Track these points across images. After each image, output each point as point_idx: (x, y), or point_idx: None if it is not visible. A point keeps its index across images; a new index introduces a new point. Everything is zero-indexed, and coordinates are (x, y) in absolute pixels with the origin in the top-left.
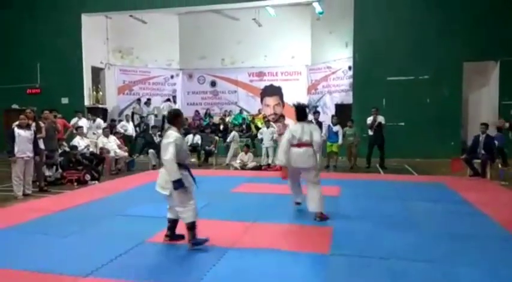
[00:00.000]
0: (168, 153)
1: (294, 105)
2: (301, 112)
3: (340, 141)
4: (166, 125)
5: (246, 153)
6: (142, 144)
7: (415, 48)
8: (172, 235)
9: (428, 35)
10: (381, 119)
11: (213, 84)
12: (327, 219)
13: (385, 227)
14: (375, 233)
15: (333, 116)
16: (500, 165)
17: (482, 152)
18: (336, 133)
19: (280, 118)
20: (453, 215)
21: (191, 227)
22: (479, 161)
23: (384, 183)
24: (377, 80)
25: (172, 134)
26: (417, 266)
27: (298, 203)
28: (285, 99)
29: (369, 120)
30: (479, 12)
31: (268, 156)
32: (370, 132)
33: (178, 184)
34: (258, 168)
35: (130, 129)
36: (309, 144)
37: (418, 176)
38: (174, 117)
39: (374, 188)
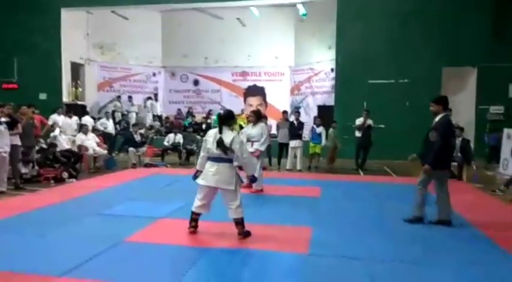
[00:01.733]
0: (246, 152)
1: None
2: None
3: (323, 142)
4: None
5: None
6: (122, 142)
7: (396, 53)
8: (196, 226)
9: (409, 40)
10: (370, 121)
11: (196, 83)
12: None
13: (364, 228)
14: (354, 234)
15: (315, 118)
16: (475, 168)
17: (459, 154)
18: (320, 134)
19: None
20: (431, 217)
21: (242, 221)
22: (455, 163)
23: (363, 184)
24: (358, 83)
25: (235, 135)
26: (394, 267)
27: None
28: (268, 99)
29: (358, 121)
30: (459, 20)
31: None
32: (358, 134)
33: (255, 178)
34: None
35: (110, 126)
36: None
37: (397, 177)
38: (229, 118)
39: (354, 189)
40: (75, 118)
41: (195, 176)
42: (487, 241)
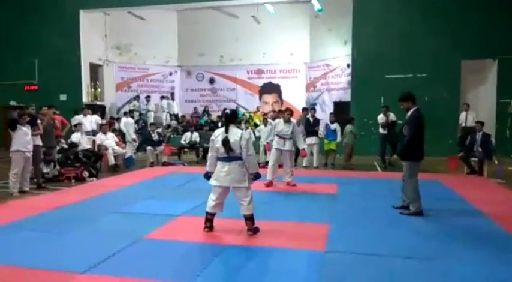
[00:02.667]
0: (251, 149)
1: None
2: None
3: (338, 138)
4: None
5: None
6: (140, 141)
7: (414, 46)
8: (211, 227)
9: (426, 33)
10: (392, 116)
11: (212, 81)
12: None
13: (382, 225)
14: (371, 231)
15: (330, 114)
16: (497, 162)
17: (479, 149)
18: (334, 131)
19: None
20: (450, 213)
21: (252, 217)
22: (476, 158)
23: (381, 180)
24: (375, 78)
25: (243, 133)
26: (414, 264)
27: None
28: (284, 96)
29: (380, 119)
30: (478, 11)
31: (266, 153)
32: (383, 131)
33: (259, 175)
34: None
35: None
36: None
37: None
38: (234, 117)
39: (371, 185)
40: (95, 116)
41: (208, 176)
42: (508, 236)
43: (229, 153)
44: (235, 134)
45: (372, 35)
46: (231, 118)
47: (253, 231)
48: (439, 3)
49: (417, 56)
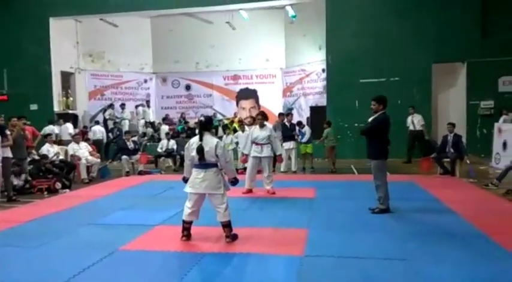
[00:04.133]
0: (228, 155)
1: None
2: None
3: (305, 138)
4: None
5: None
6: (115, 150)
7: (386, 51)
8: (188, 235)
9: (398, 38)
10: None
11: (188, 88)
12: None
13: (359, 227)
14: (349, 233)
15: (298, 123)
16: (469, 162)
17: (451, 150)
18: (304, 133)
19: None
20: (424, 213)
21: (229, 224)
22: (448, 159)
23: (358, 183)
24: (350, 82)
25: (215, 140)
26: (390, 265)
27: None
28: (261, 102)
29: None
30: (446, 16)
31: None
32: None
33: (237, 180)
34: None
35: (98, 133)
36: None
37: (390, 175)
38: (209, 124)
39: (348, 188)
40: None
41: (185, 180)
42: (481, 236)
43: (205, 161)
44: (211, 142)
45: (345, 40)
46: (206, 126)
47: (231, 238)
48: (409, 9)
49: (390, 61)
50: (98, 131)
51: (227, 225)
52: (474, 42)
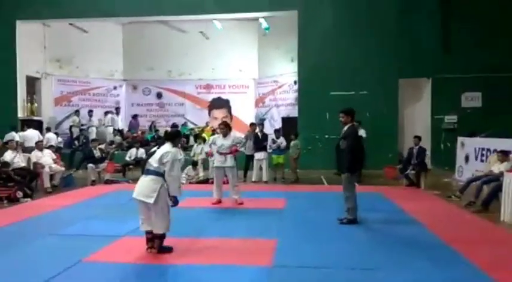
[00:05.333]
0: (175, 170)
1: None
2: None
3: (283, 144)
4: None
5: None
6: (81, 158)
7: (355, 65)
8: (153, 246)
9: (366, 53)
10: (362, 132)
11: (159, 96)
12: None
13: (327, 237)
14: (318, 244)
15: (275, 131)
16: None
17: (416, 161)
18: (280, 146)
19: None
20: (390, 224)
21: (162, 236)
22: (413, 172)
23: (327, 194)
24: (321, 95)
25: (172, 151)
26: (357, 274)
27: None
28: (233, 112)
29: None
30: (411, 33)
31: None
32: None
33: (177, 200)
34: (205, 181)
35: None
36: None
37: (359, 186)
38: (175, 137)
39: (318, 199)
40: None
41: None
42: (443, 245)
43: (148, 166)
44: (163, 150)
45: (316, 53)
46: (170, 137)
47: (160, 251)
48: (377, 25)
49: (359, 74)
50: (51, 138)
51: (158, 237)
52: (438, 59)
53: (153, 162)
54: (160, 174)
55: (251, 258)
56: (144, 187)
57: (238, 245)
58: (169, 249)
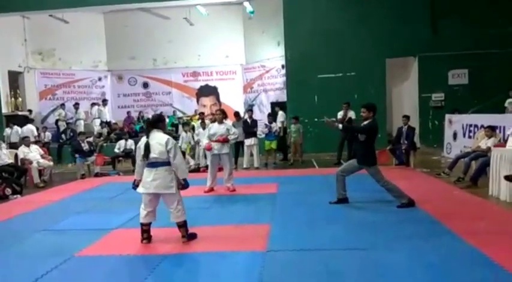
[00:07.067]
0: (179, 152)
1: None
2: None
3: (278, 125)
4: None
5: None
6: (70, 152)
7: (342, 47)
8: (149, 237)
9: (354, 34)
10: (351, 113)
11: (146, 85)
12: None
13: (320, 220)
14: (310, 227)
15: (268, 115)
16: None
17: (405, 142)
18: (275, 131)
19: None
20: (382, 203)
21: (185, 224)
22: (403, 150)
23: (318, 177)
24: (308, 78)
25: (167, 136)
26: (349, 255)
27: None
28: (222, 98)
29: (340, 115)
30: (399, 13)
31: (206, 157)
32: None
33: (188, 182)
34: (196, 170)
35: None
36: None
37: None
38: (159, 121)
39: (309, 182)
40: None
41: (135, 186)
42: (434, 221)
43: (155, 159)
44: (159, 138)
45: (303, 36)
46: (153, 123)
47: (188, 238)
48: (362, 6)
49: (346, 56)
50: (26, 131)
51: (182, 225)
52: (425, 37)
53: (159, 154)
54: (168, 164)
55: (245, 244)
56: (161, 180)
57: (231, 232)
58: (195, 236)
